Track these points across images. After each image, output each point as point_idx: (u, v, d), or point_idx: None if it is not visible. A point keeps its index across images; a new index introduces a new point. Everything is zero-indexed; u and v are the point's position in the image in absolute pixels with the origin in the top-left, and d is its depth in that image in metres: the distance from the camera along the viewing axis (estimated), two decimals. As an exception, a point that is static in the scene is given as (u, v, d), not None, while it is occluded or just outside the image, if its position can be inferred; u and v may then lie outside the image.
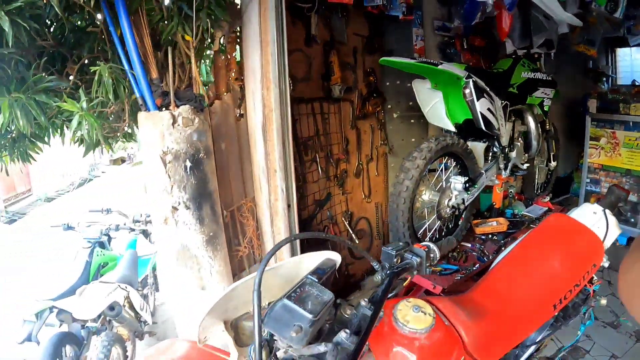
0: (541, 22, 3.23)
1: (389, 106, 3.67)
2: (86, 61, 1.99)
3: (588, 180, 4.42)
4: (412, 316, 1.04)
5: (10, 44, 1.56)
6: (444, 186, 2.78)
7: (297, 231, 2.07)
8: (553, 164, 3.96)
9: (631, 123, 4.03)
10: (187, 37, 1.95)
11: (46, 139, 2.19)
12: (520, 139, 3.41)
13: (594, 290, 1.69)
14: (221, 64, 2.28)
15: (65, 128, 2.07)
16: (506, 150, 3.18)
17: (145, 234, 3.39)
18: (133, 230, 3.29)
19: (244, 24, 2.08)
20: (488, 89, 2.74)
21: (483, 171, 3.01)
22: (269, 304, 1.12)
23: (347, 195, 3.43)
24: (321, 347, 0.89)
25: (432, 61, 2.56)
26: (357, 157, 3.46)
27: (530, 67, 3.36)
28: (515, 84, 3.28)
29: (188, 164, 1.88)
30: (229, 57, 2.32)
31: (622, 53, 4.52)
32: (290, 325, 0.88)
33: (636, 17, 3.57)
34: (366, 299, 1.00)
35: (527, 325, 1.49)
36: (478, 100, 2.63)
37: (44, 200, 9.85)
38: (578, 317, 1.72)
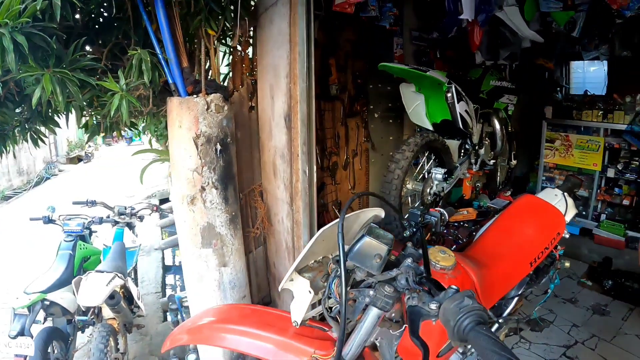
0: (507, 37, 3.68)
1: (371, 107, 4.00)
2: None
3: (544, 178, 4.95)
4: (440, 257, 1.36)
5: (57, 18, 1.62)
6: (426, 177, 3.14)
7: (315, 209, 2.32)
8: (513, 162, 4.47)
9: (582, 127, 4.59)
10: (211, 32, 2.15)
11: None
12: (487, 138, 3.85)
13: (559, 255, 2.08)
14: (237, 60, 2.53)
15: (83, 109, 2.12)
16: (476, 147, 3.61)
17: (130, 226, 3.31)
18: (117, 222, 3.18)
19: (264, 25, 2.32)
20: (464, 94, 3.14)
21: (458, 165, 3.43)
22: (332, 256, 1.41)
23: (337, 186, 3.71)
24: (393, 272, 1.17)
25: (420, 68, 2.92)
26: (346, 151, 3.76)
27: (497, 77, 3.82)
28: (484, 91, 3.74)
29: (218, 147, 2.09)
30: (243, 54, 2.57)
31: (575, 66, 5.09)
32: (371, 257, 1.15)
33: (590, 35, 4.08)
34: (410, 243, 1.30)
35: (512, 278, 1.85)
36: (458, 102, 3.02)
37: (1, 199, 9.48)
38: (547, 278, 2.11)
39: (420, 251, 1.28)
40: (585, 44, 4.23)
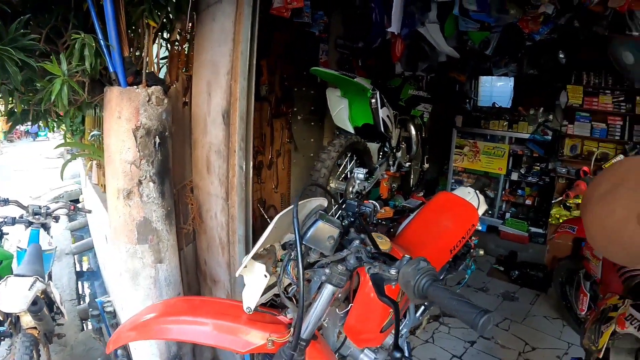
0: (426, 51, 4.04)
1: (295, 109, 4.14)
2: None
3: (453, 181, 5.48)
4: (378, 241, 1.50)
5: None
6: (348, 176, 3.33)
7: (251, 204, 2.37)
8: (426, 165, 4.88)
9: (489, 136, 5.18)
10: (152, 23, 2.13)
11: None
12: (403, 142, 4.18)
13: (474, 244, 2.36)
14: (174, 54, 2.51)
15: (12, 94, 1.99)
16: (394, 150, 3.91)
17: (45, 227, 3.04)
18: (32, 223, 2.90)
19: (205, 21, 2.32)
20: (386, 101, 3.40)
21: (377, 166, 3.68)
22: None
23: (261, 185, 3.78)
24: (344, 253, 1.28)
25: (349, 74, 3.12)
26: (270, 151, 3.84)
27: (415, 86, 4.18)
28: (403, 99, 4.06)
29: (157, 140, 2.05)
30: (180, 48, 2.56)
31: (483, 80, 5.71)
32: (324, 239, 1.27)
33: (502, 54, 4.60)
34: (353, 229, 1.43)
35: (435, 264, 2.02)
36: (381, 108, 3.27)
37: None
38: (465, 265, 2.39)
39: (362, 236, 1.41)
40: (497, 61, 4.79)
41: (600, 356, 1.73)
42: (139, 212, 2.11)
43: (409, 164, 4.33)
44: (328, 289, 1.27)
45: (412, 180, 4.92)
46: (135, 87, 2.01)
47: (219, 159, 2.33)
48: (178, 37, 2.46)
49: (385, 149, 3.80)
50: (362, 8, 3.62)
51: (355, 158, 3.44)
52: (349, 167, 3.36)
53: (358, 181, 3.31)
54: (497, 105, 5.37)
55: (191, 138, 2.63)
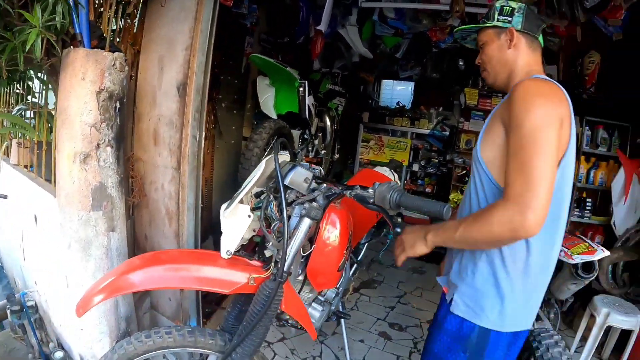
0: (342, 51, 4.51)
1: (220, 96, 4.31)
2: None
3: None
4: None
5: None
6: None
7: (201, 173, 2.54)
8: (336, 156, 5.36)
9: (390, 131, 5.85)
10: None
11: None
12: (320, 132, 4.59)
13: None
14: (127, 27, 2.59)
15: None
16: (313, 138, 4.30)
17: None
18: None
19: None
20: (311, 90, 3.77)
21: (299, 150, 4.03)
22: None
23: (188, 168, 3.87)
24: (315, 193, 1.58)
25: (283, 63, 3.42)
26: (197, 135, 3.94)
27: (332, 82, 4.62)
28: (322, 92, 4.48)
29: (117, 105, 2.10)
30: (131, 22, 2.63)
31: (385, 83, 6.40)
32: (302, 181, 1.57)
33: (409, 58, 5.25)
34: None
35: (366, 224, 2.48)
36: (308, 96, 3.63)
37: None
38: (387, 230, 2.83)
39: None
40: (404, 64, 5.46)
41: None
42: (95, 176, 2.14)
43: (324, 151, 4.76)
44: (306, 222, 1.57)
45: (322, 168, 5.34)
46: (102, 50, 2.06)
47: (170, 130, 2.47)
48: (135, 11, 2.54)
49: (306, 136, 4.16)
50: (291, 6, 3.93)
51: (280, 142, 3.75)
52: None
53: (283, 163, 3.64)
54: (400, 104, 6.08)
55: (134, 112, 2.70)
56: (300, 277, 1.90)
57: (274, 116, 3.75)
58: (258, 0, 3.81)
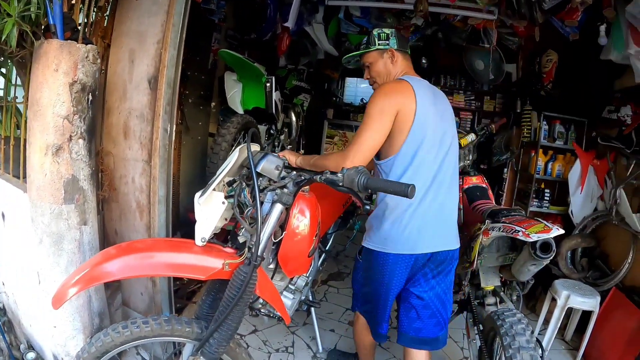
0: (308, 48, 4.62)
1: (187, 92, 4.34)
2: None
3: (324, 166, 6.20)
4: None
5: None
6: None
7: (172, 165, 2.58)
8: (302, 151, 5.48)
9: (354, 127, 6.00)
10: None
11: None
12: (285, 127, 4.69)
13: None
14: (98, 20, 2.59)
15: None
16: (279, 133, 4.40)
17: None
18: None
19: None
20: (278, 86, 3.87)
21: (266, 145, 4.12)
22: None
23: (154, 163, 3.89)
24: (286, 180, 1.68)
25: (251, 59, 3.50)
26: (162, 131, 3.96)
27: (297, 78, 4.73)
28: (288, 88, 4.58)
29: (90, 97, 2.10)
30: (102, 15, 2.63)
31: (349, 81, 6.55)
32: (273, 168, 1.67)
33: None
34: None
35: (333, 214, 2.59)
36: (275, 92, 3.72)
37: None
38: (353, 220, 2.97)
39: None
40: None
41: (473, 268, 2.27)
42: (67, 169, 2.14)
43: (290, 146, 4.86)
44: (277, 207, 1.65)
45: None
46: (75, 42, 2.07)
47: (141, 123, 2.49)
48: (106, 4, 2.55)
49: (272, 131, 4.25)
50: (258, 3, 4.00)
51: (251, 132, 3.81)
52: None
53: (252, 157, 3.72)
54: (364, 101, 6.25)
55: (104, 106, 2.71)
56: (272, 266, 1.97)
57: (241, 111, 3.81)
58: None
